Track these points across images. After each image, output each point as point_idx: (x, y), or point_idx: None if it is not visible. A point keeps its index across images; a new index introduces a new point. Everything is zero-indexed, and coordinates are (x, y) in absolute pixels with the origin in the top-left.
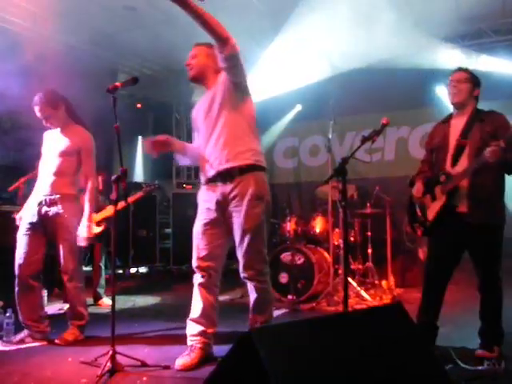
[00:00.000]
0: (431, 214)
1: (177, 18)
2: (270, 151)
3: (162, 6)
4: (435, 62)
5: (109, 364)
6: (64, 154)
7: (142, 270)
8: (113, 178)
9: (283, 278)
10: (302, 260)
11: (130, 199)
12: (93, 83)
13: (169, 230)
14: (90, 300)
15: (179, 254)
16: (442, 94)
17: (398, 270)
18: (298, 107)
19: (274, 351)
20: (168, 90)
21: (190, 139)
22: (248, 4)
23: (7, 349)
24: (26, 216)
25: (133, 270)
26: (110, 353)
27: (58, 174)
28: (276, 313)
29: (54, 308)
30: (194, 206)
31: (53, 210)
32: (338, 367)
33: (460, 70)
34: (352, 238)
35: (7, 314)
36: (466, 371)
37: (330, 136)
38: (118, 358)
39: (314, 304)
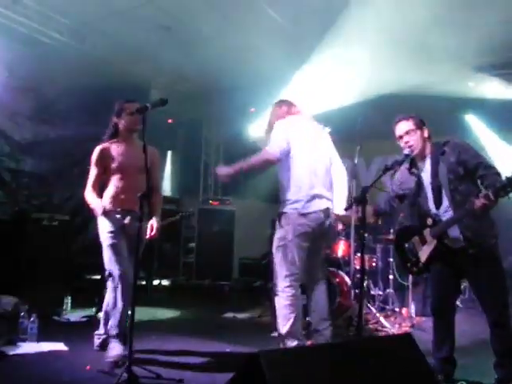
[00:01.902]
0: (424, 257)
1: (210, 38)
2: None
3: (195, 25)
4: (465, 90)
5: (124, 374)
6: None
7: (165, 282)
8: (138, 195)
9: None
10: None
11: (165, 222)
12: (126, 98)
13: (193, 245)
14: None
15: (202, 268)
16: (471, 121)
17: (418, 298)
18: (327, 130)
19: (279, 375)
20: (199, 106)
21: (218, 156)
22: (281, 29)
23: (29, 352)
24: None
25: (155, 282)
26: (126, 364)
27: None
28: None
29: (78, 316)
30: (219, 222)
31: None
32: None
33: (401, 119)
34: (374, 264)
35: (32, 319)
36: None
37: (356, 161)
38: (134, 369)
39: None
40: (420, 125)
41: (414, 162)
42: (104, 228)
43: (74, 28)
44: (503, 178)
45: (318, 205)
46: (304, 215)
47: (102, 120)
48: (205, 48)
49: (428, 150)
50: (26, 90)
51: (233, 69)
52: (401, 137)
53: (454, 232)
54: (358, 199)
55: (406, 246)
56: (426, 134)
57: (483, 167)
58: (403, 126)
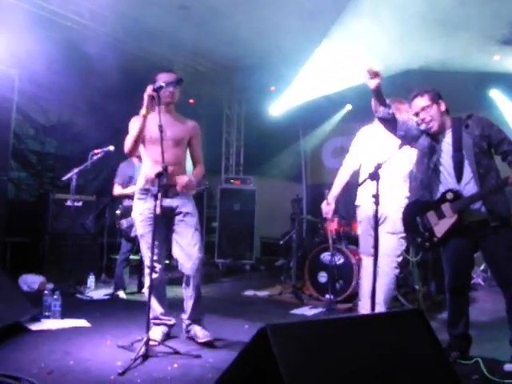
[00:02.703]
0: (441, 232)
1: (228, 16)
2: (318, 150)
3: (214, 4)
4: (490, 64)
5: (143, 349)
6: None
7: None
8: (154, 173)
9: (322, 277)
10: (341, 260)
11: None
12: (146, 79)
13: (215, 224)
14: (134, 287)
15: (224, 247)
16: (496, 97)
17: (439, 276)
18: (348, 107)
19: (287, 348)
20: (220, 86)
21: (239, 134)
22: (297, 4)
23: (53, 328)
24: None
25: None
26: (145, 339)
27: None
28: (313, 311)
29: (100, 293)
30: (241, 201)
31: None
32: (350, 369)
33: (416, 95)
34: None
35: (55, 297)
36: (492, 383)
37: None
38: (153, 344)
39: (351, 305)
40: (436, 99)
41: (434, 136)
42: None
43: (95, 10)
44: None
45: None
46: None
47: (124, 101)
48: (223, 27)
49: (448, 124)
50: (50, 74)
51: (252, 47)
52: (417, 113)
53: (476, 205)
54: (372, 175)
55: (419, 220)
56: (442, 108)
57: (508, 143)
58: (418, 103)
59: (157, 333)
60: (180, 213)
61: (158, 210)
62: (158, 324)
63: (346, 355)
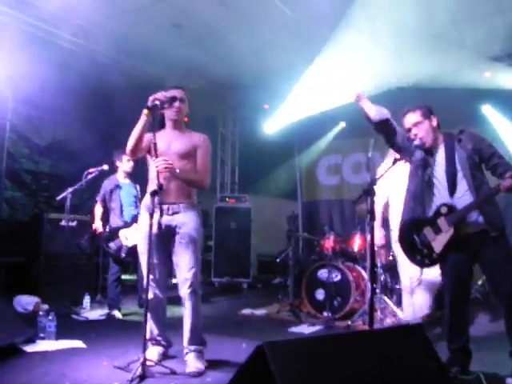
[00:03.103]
0: (439, 247)
1: (221, 35)
2: (313, 168)
3: (208, 22)
4: (481, 80)
5: (140, 370)
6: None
7: None
8: (150, 191)
9: (319, 294)
10: (338, 277)
11: None
12: (140, 97)
13: (211, 243)
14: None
15: (221, 266)
16: (488, 113)
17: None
18: (342, 124)
19: (285, 365)
20: (213, 104)
21: (234, 152)
22: (292, 22)
23: (48, 350)
24: None
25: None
26: (141, 359)
27: None
28: (311, 329)
29: (95, 314)
30: (237, 220)
31: None
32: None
33: (408, 111)
34: (391, 258)
35: (50, 318)
36: None
37: (370, 154)
38: (150, 364)
39: (349, 322)
40: (428, 114)
41: (429, 151)
42: None
43: (89, 29)
44: None
45: None
46: None
47: (119, 119)
48: (217, 45)
49: (440, 139)
50: (44, 93)
51: (246, 65)
52: (409, 129)
53: (472, 217)
54: (367, 191)
55: (416, 238)
56: (434, 123)
57: (497, 156)
58: (410, 118)
59: (153, 353)
60: (179, 233)
61: (155, 229)
62: (154, 344)
63: (344, 371)
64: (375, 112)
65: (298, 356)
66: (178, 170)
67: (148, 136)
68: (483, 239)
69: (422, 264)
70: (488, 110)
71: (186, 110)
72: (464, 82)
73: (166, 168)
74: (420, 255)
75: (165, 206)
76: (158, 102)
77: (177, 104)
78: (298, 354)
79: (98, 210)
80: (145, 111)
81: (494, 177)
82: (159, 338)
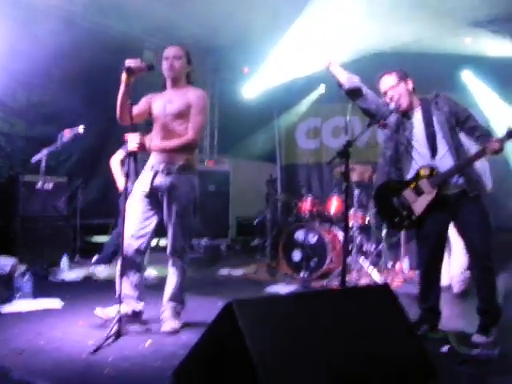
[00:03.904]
0: (420, 209)
1: None
2: (292, 131)
3: None
4: (462, 46)
5: (115, 328)
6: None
7: (163, 242)
8: (124, 153)
9: (296, 255)
10: (315, 239)
11: None
12: (117, 59)
13: None
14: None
15: (199, 227)
16: (468, 79)
17: (412, 253)
18: (322, 87)
19: (253, 323)
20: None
21: (213, 116)
22: None
23: (23, 311)
24: None
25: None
26: (117, 317)
27: None
28: (287, 289)
29: (73, 275)
30: (216, 183)
31: None
32: (315, 342)
33: (383, 74)
34: (366, 220)
35: (26, 277)
36: (461, 355)
37: (348, 118)
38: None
39: (324, 282)
40: (403, 77)
41: (405, 115)
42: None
43: None
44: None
45: None
46: None
47: (96, 80)
48: (195, 6)
49: (416, 102)
50: (16, 54)
51: (224, 27)
52: (385, 92)
53: (453, 178)
54: (342, 153)
55: (395, 200)
56: (409, 87)
57: (473, 119)
58: (386, 82)
59: (127, 308)
60: (169, 195)
61: (146, 188)
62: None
63: (311, 329)
64: (346, 80)
65: (266, 313)
66: (148, 146)
67: (147, 98)
68: (461, 199)
69: (400, 226)
70: (467, 76)
71: (181, 67)
72: (444, 48)
73: (135, 148)
74: (399, 217)
75: (159, 166)
76: (133, 65)
77: (169, 62)
78: (265, 311)
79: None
80: (123, 76)
81: (470, 139)
82: (129, 300)
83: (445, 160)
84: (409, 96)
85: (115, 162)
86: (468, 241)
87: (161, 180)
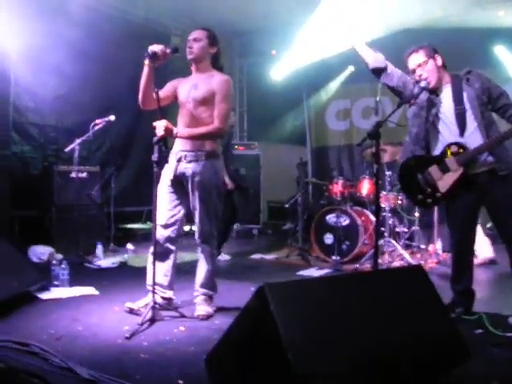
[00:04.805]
0: (445, 187)
1: None
2: (322, 113)
3: None
4: (494, 20)
5: (149, 314)
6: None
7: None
8: (154, 139)
9: (328, 238)
10: (347, 221)
11: None
12: (145, 47)
13: None
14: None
15: None
16: (501, 53)
17: (445, 234)
18: (351, 68)
19: (285, 306)
20: (220, 51)
21: (242, 100)
22: None
23: (62, 297)
24: None
25: (187, 228)
26: (151, 304)
27: None
28: (319, 272)
29: (108, 262)
30: (246, 167)
31: None
32: (348, 325)
33: (411, 52)
34: (399, 201)
35: (62, 266)
36: (495, 337)
37: (378, 98)
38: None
39: (357, 265)
40: (431, 53)
41: (433, 92)
42: None
43: None
44: None
45: None
46: None
47: (123, 69)
48: None
49: (446, 79)
50: (46, 45)
51: (251, 10)
52: (414, 70)
53: (482, 156)
54: (372, 134)
55: (420, 176)
56: (439, 62)
57: (506, 97)
58: (414, 59)
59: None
60: (193, 181)
61: (171, 176)
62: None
63: (344, 312)
64: (372, 59)
65: (298, 297)
66: (175, 132)
67: (172, 83)
68: (492, 179)
69: (423, 204)
70: (501, 51)
71: (201, 49)
72: (475, 22)
73: (162, 135)
74: (422, 194)
75: (183, 153)
76: (156, 50)
77: (189, 45)
78: (297, 295)
79: None
80: (145, 61)
81: (502, 118)
82: (161, 288)
83: (474, 138)
84: (438, 72)
85: None
86: (498, 222)
87: (184, 167)
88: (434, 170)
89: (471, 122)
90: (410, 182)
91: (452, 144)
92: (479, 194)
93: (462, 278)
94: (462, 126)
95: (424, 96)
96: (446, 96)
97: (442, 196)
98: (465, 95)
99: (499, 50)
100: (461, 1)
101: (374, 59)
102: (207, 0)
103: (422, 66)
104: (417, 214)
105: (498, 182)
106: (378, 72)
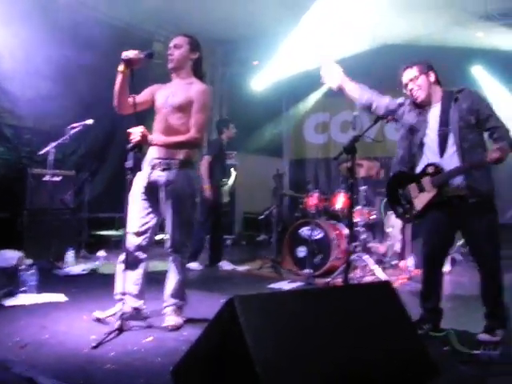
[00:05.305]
0: (419, 205)
1: None
2: (300, 125)
3: None
4: (473, 40)
5: (118, 323)
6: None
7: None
8: (128, 146)
9: (301, 251)
10: (320, 235)
11: None
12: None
13: (196, 199)
14: None
15: None
16: (478, 74)
17: (417, 251)
18: None
19: (254, 318)
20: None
21: (221, 109)
22: None
23: (28, 303)
24: None
25: (159, 237)
26: (120, 313)
27: None
28: (291, 285)
29: (78, 268)
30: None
31: None
32: (315, 338)
33: (406, 67)
34: (373, 216)
35: (31, 271)
36: (462, 354)
37: (356, 113)
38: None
39: (329, 279)
40: (425, 70)
41: (422, 107)
42: None
43: None
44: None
45: None
46: None
47: (104, 74)
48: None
49: (437, 96)
50: (26, 47)
51: (235, 21)
52: (406, 84)
53: (456, 180)
54: (348, 148)
55: (400, 191)
56: (432, 79)
57: (495, 119)
58: (407, 74)
59: (127, 305)
60: (166, 190)
61: (144, 184)
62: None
63: (313, 326)
64: (358, 96)
65: (268, 310)
66: (150, 139)
67: (151, 89)
68: (464, 205)
69: (403, 218)
70: (478, 71)
71: (181, 56)
72: (456, 41)
73: (137, 141)
74: (402, 209)
75: (157, 161)
76: (131, 56)
77: (169, 52)
78: (267, 308)
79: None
80: (120, 67)
81: (490, 139)
82: (130, 297)
83: (451, 160)
84: (428, 88)
85: (203, 166)
86: (472, 249)
87: (158, 175)
88: (412, 187)
89: (451, 145)
90: (393, 195)
91: (430, 164)
92: (453, 217)
93: (431, 296)
94: (442, 147)
95: (410, 117)
96: (434, 115)
97: (416, 213)
98: (450, 115)
99: (477, 71)
100: (442, 18)
101: (361, 96)
102: (191, 7)
103: (414, 81)
104: (390, 230)
105: (470, 209)
106: (367, 109)
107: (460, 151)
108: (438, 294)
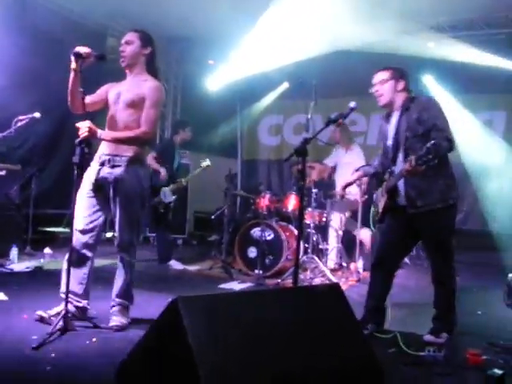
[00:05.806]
0: (380, 208)
1: None
2: (254, 126)
3: None
4: (423, 50)
5: (60, 323)
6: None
7: None
8: (76, 140)
9: (252, 252)
10: (271, 236)
11: None
12: (80, 45)
13: None
14: None
15: None
16: (429, 83)
17: (367, 253)
18: (285, 85)
19: (198, 320)
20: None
21: (175, 107)
22: None
23: None
24: None
25: (109, 235)
26: (63, 313)
27: None
28: (241, 286)
29: (22, 266)
30: None
31: None
32: (260, 340)
33: (382, 69)
34: (324, 219)
35: None
36: (407, 356)
37: (310, 116)
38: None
39: (279, 280)
40: (396, 76)
41: (388, 116)
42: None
43: None
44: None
45: None
46: None
47: (54, 66)
48: None
49: (398, 104)
50: None
51: (190, 18)
52: (374, 85)
53: (401, 190)
54: (299, 150)
55: (374, 194)
56: (399, 87)
57: (436, 129)
58: (379, 75)
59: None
60: (114, 187)
61: (92, 180)
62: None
63: (257, 328)
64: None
65: (212, 311)
66: (99, 134)
67: (106, 87)
68: (414, 213)
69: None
70: (429, 81)
71: (133, 52)
72: (407, 50)
73: (85, 136)
74: (375, 210)
75: (106, 157)
76: (82, 52)
77: (121, 48)
78: (211, 308)
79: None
80: (72, 64)
81: None
82: (75, 296)
83: (398, 168)
84: (392, 94)
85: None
86: (428, 253)
87: (107, 172)
88: (379, 191)
89: (401, 152)
90: (371, 195)
91: (388, 170)
92: (405, 224)
93: (374, 295)
94: (394, 154)
95: (383, 125)
96: (393, 123)
97: (379, 217)
98: (401, 125)
99: (427, 80)
100: (392, 27)
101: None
102: (147, 3)
103: (381, 84)
104: (340, 233)
105: (420, 217)
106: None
107: (404, 161)
108: (382, 294)
